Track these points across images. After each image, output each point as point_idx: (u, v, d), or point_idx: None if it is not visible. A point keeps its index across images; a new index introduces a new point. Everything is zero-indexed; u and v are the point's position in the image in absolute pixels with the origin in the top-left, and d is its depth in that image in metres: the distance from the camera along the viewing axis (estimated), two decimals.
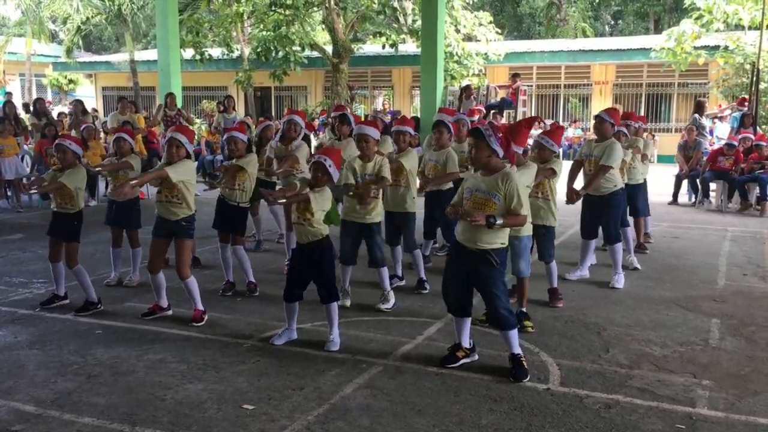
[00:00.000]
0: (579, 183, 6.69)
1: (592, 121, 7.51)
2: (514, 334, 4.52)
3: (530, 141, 7.14)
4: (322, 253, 4.96)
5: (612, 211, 6.73)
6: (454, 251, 4.74)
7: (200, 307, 5.65)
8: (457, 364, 4.60)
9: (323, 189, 4.91)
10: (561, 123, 23.25)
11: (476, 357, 4.71)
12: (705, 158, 12.60)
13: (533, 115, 20.00)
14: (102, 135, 14.00)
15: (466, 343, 4.68)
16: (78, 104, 13.79)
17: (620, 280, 6.80)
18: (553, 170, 5.83)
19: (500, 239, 4.46)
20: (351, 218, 5.93)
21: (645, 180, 8.29)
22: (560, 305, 6.00)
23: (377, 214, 5.97)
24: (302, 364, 4.69)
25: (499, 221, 4.32)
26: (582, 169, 6.80)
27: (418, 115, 16.07)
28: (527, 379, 4.44)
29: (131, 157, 6.59)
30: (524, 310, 5.51)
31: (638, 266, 7.47)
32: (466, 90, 15.99)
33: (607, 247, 6.98)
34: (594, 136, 6.91)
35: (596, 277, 7.06)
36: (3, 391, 4.27)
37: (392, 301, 6.03)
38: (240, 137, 6.44)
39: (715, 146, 13.86)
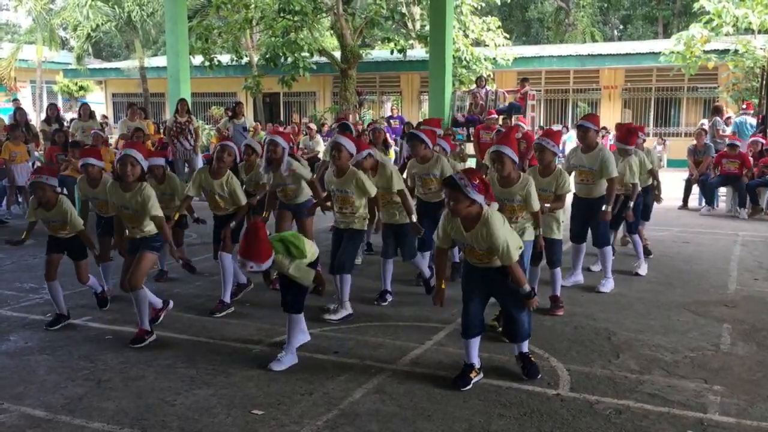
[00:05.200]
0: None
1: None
2: (526, 342, 4.56)
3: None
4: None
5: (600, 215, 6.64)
6: (467, 272, 4.52)
7: (146, 326, 5.26)
8: (470, 386, 4.43)
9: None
10: (570, 128, 23.28)
11: (482, 375, 4.56)
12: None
13: (540, 120, 19.97)
14: (112, 142, 14.08)
15: (477, 362, 4.55)
16: (86, 107, 13.86)
17: (608, 285, 6.73)
18: (562, 201, 5.80)
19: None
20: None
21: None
22: (560, 313, 5.94)
23: (363, 222, 5.91)
24: (311, 369, 4.68)
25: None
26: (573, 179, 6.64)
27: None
28: (539, 376, 4.45)
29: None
30: None
31: (641, 273, 7.39)
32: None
33: (597, 251, 6.91)
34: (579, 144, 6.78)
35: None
36: (13, 397, 4.29)
37: (347, 311, 5.82)
38: (232, 148, 6.32)
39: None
